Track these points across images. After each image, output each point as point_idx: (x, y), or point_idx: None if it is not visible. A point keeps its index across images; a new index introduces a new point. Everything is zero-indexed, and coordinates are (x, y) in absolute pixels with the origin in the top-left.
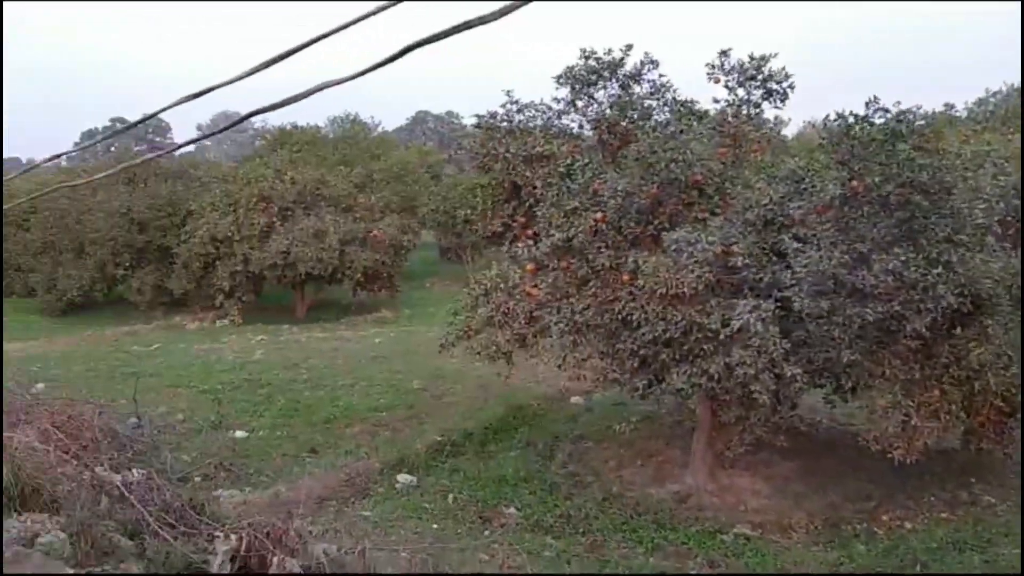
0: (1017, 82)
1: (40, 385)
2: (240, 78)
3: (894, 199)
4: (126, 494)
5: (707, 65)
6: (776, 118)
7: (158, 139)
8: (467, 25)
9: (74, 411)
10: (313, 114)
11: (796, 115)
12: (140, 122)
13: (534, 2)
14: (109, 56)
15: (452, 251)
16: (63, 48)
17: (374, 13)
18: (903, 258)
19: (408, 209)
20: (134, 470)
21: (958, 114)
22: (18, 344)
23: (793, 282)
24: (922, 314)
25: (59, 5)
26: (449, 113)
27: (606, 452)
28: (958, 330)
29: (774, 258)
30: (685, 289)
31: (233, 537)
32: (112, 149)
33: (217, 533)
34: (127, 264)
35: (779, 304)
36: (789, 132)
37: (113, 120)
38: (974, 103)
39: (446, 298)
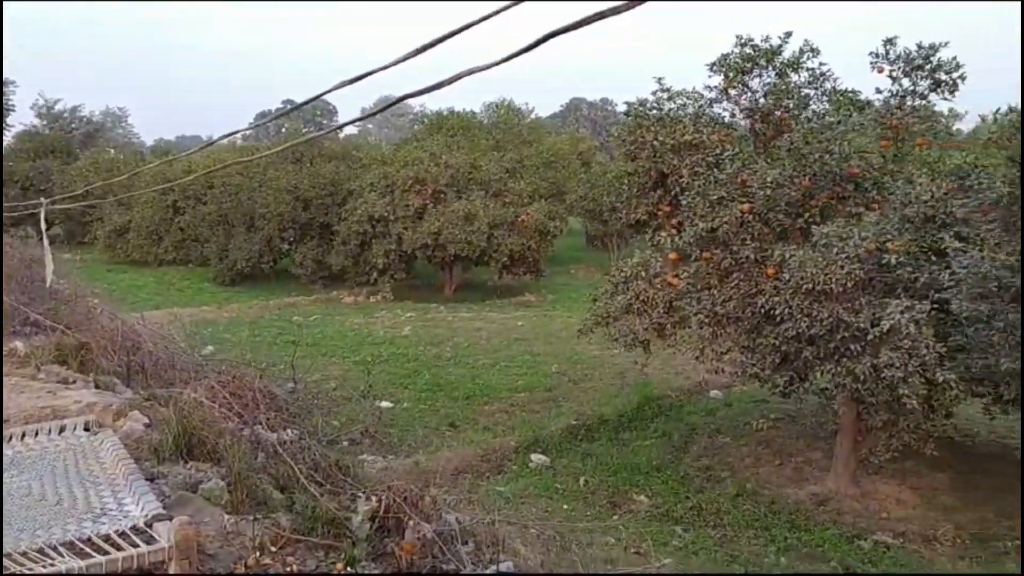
0: None
1: (210, 348)
2: (393, 64)
3: None
4: (280, 451)
5: (870, 54)
6: (950, 111)
7: (325, 122)
8: (600, 15)
9: (238, 373)
10: (469, 100)
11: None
12: (304, 104)
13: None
14: (282, 44)
15: (598, 239)
16: (241, 35)
17: (512, 5)
18: None
19: (557, 195)
20: (288, 431)
21: None
22: (192, 309)
23: (952, 283)
24: None
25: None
26: (604, 100)
27: (743, 449)
28: None
29: (932, 257)
30: (833, 285)
31: (373, 499)
32: (283, 130)
33: (359, 494)
34: (291, 239)
35: (935, 306)
36: (965, 126)
37: (284, 102)
38: None
39: (590, 285)
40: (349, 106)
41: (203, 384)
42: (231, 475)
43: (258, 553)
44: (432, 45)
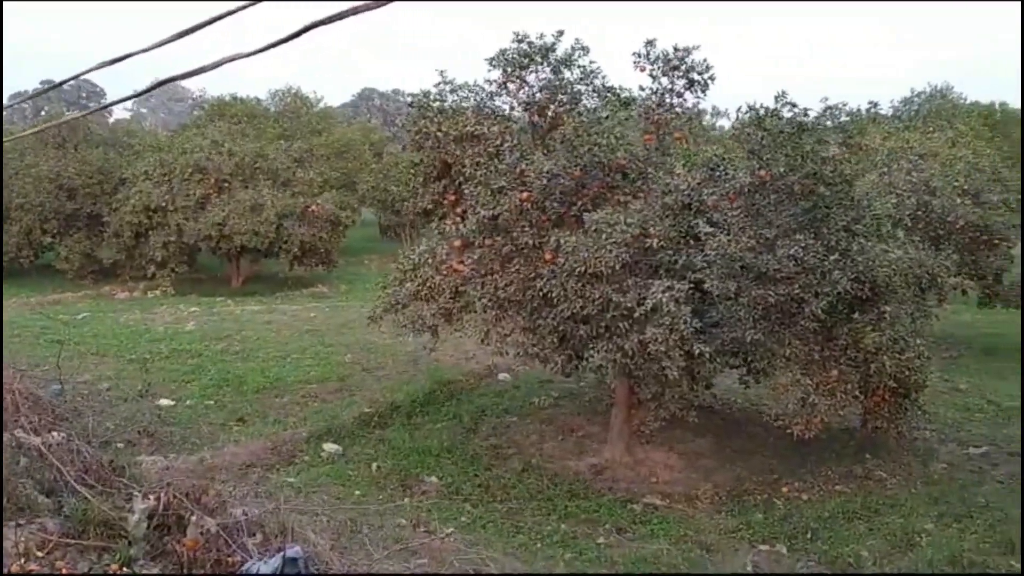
0: (939, 84)
1: None
2: (154, 47)
3: (798, 189)
4: (45, 454)
5: (633, 54)
6: (713, 108)
7: (92, 105)
8: (354, 11)
9: None
10: (255, 87)
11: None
12: (63, 83)
13: None
14: (40, 21)
15: (391, 229)
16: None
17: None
18: (803, 244)
19: (348, 185)
20: (54, 433)
21: (883, 112)
22: None
23: (705, 264)
24: (819, 297)
25: None
26: (395, 91)
27: (529, 427)
28: (856, 314)
29: (689, 241)
30: (603, 268)
31: (151, 497)
32: (43, 113)
33: (136, 493)
34: (55, 231)
35: (692, 285)
36: (727, 123)
37: (43, 83)
38: (900, 102)
39: (383, 275)
40: (119, 90)
41: None
42: None
43: (23, 560)
44: (194, 30)
